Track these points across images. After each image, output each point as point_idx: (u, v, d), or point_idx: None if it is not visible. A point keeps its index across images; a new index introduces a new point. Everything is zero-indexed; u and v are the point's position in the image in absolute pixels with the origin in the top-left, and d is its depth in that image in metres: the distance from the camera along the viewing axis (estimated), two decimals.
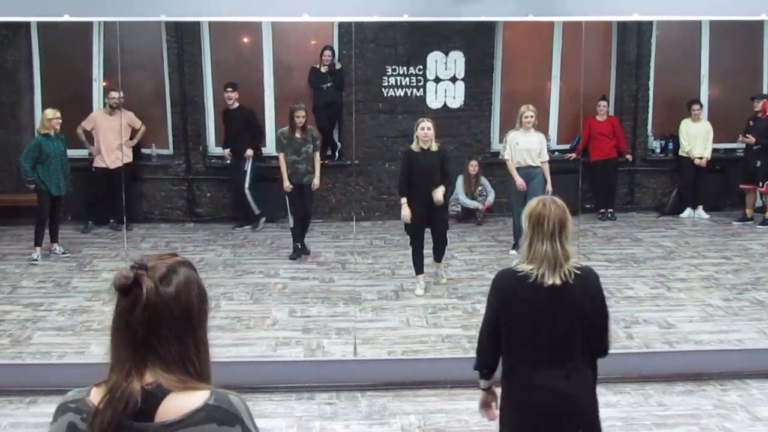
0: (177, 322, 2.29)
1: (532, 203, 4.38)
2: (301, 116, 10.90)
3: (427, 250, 9.93)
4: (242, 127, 12.86)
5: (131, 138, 12.68)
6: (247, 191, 12.89)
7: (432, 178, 9.51)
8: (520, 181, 10.88)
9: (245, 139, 12.90)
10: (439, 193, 9.50)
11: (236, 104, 12.84)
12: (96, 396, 2.30)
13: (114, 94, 12.36)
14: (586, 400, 4.29)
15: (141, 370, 2.26)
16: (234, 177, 13.07)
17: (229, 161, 13.20)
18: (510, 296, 4.27)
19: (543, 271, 4.20)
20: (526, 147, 10.83)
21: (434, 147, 9.54)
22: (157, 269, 2.30)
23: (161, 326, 2.26)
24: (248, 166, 12.90)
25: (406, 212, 9.54)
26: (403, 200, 9.58)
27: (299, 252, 11.21)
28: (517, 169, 10.88)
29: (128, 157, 12.35)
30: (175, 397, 2.24)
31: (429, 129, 9.49)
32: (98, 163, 12.36)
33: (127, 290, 2.28)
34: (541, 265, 4.21)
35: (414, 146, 9.60)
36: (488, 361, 4.43)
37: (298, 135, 10.89)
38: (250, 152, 12.82)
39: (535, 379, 4.21)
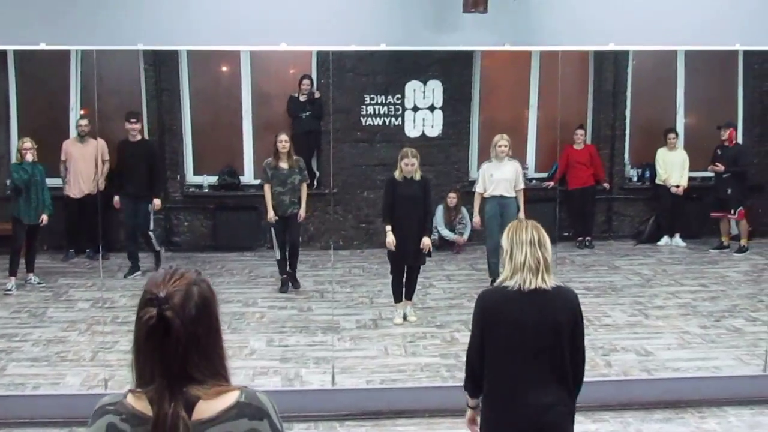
0: (204, 345, 2.44)
1: (510, 225, 4.43)
2: (284, 141, 10.79)
3: None
4: (144, 163, 11.73)
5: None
6: (150, 233, 12.07)
7: (415, 208, 9.51)
8: (476, 219, 10.97)
9: (145, 178, 11.76)
10: (426, 241, 9.52)
11: (138, 137, 11.97)
12: (136, 403, 2.42)
13: (82, 122, 12.27)
14: (567, 423, 4.33)
15: (178, 391, 2.39)
16: (132, 219, 11.92)
17: (119, 201, 11.95)
18: (494, 311, 4.33)
19: (525, 277, 4.26)
20: (501, 177, 10.71)
21: (417, 176, 9.55)
22: (175, 297, 2.41)
23: (192, 353, 2.40)
24: (151, 206, 11.92)
25: (390, 239, 9.49)
26: (388, 228, 9.55)
27: (287, 285, 11.11)
28: (492, 197, 10.82)
29: (94, 189, 11.97)
30: (209, 398, 2.42)
31: (413, 165, 9.51)
32: (68, 191, 12.25)
33: (154, 329, 2.39)
34: (522, 271, 4.26)
35: (397, 174, 9.60)
36: (477, 378, 4.46)
37: (284, 165, 10.81)
38: (158, 203, 11.95)
39: (517, 395, 4.24)
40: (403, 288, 9.76)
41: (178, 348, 2.38)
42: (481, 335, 4.37)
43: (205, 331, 2.45)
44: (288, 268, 11.13)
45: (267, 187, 10.91)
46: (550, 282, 4.29)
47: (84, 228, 12.22)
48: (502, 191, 10.72)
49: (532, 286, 4.24)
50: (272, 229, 10.97)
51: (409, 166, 9.49)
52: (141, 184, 11.73)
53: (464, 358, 4.59)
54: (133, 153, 11.79)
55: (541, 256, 4.28)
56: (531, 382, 4.25)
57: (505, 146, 10.73)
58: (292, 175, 10.85)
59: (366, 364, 8.34)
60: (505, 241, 4.38)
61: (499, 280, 4.41)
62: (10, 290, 10.82)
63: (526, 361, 4.26)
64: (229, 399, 2.43)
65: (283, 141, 10.80)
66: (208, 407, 2.40)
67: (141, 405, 2.40)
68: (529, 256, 4.26)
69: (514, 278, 4.27)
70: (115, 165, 12.16)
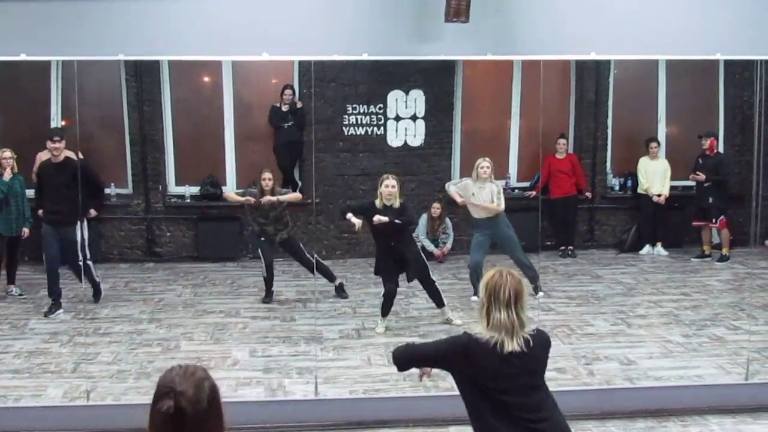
0: (212, 426, 2.89)
1: (489, 274, 4.48)
2: (267, 179, 10.86)
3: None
4: (65, 186, 10.23)
5: None
6: (89, 263, 10.72)
7: (392, 236, 9.55)
8: (453, 191, 10.97)
9: (68, 203, 10.12)
10: (379, 218, 9.55)
11: (62, 156, 10.51)
12: None
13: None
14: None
15: None
16: (53, 249, 10.62)
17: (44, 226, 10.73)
18: (472, 361, 4.34)
19: (502, 339, 4.30)
20: (480, 200, 10.73)
21: (396, 204, 9.56)
22: (188, 390, 2.84)
23: None
24: (82, 233, 10.65)
25: (354, 221, 9.73)
26: (348, 215, 9.80)
27: (271, 296, 11.08)
28: (478, 220, 10.83)
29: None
30: None
31: (393, 187, 9.56)
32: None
33: (171, 418, 2.80)
34: (499, 333, 4.30)
35: (377, 202, 9.62)
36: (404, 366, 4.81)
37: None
38: (93, 212, 11.22)
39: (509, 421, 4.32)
40: (391, 306, 9.81)
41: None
42: (436, 363, 4.72)
43: (214, 419, 2.89)
44: (331, 281, 11.21)
45: (237, 197, 11.20)
46: (524, 335, 4.34)
47: (92, 234, 12.10)
48: (482, 214, 10.73)
49: (508, 349, 4.28)
50: (260, 250, 10.98)
51: (389, 187, 9.57)
52: (62, 209, 10.38)
53: None
54: (54, 174, 10.48)
55: (516, 318, 4.33)
56: (523, 410, 4.34)
57: (488, 167, 10.70)
58: (273, 210, 10.89)
59: (349, 374, 8.32)
60: (482, 293, 4.43)
61: (475, 332, 4.41)
62: None
63: (514, 404, 4.34)
64: None
65: (267, 179, 10.83)
66: None
67: None
68: (506, 320, 4.31)
69: (492, 334, 4.33)
70: (35, 189, 10.92)
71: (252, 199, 10.83)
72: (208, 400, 2.86)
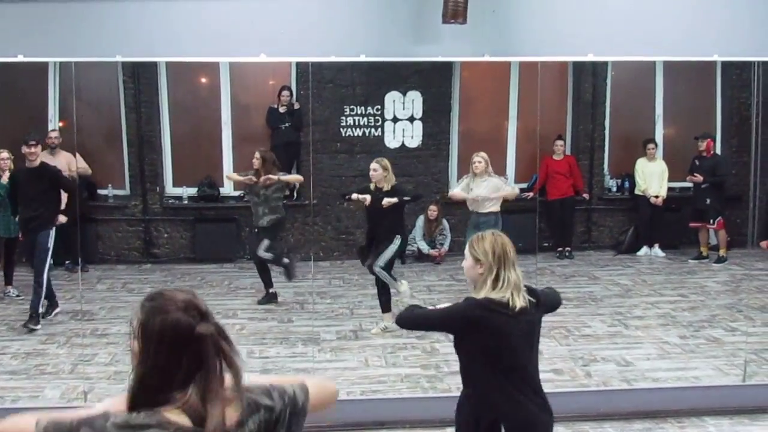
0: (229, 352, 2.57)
1: (488, 238, 4.59)
2: (255, 158, 10.94)
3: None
4: (39, 192, 10.03)
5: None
6: (44, 276, 10.03)
7: (380, 221, 9.62)
8: (457, 192, 10.99)
9: (41, 208, 10.07)
10: (388, 200, 9.64)
11: (37, 162, 10.15)
12: (177, 418, 2.43)
13: (53, 134, 12.13)
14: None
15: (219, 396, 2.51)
16: (29, 255, 10.39)
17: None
18: (484, 327, 4.42)
19: (514, 298, 4.43)
20: (475, 194, 10.69)
21: (387, 187, 9.60)
22: (210, 313, 2.58)
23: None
24: (51, 241, 10.09)
25: (360, 196, 9.84)
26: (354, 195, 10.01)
27: (275, 297, 11.07)
28: (477, 213, 10.81)
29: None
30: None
31: (375, 171, 9.69)
32: None
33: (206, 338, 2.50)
34: (509, 292, 4.43)
35: (371, 186, 9.71)
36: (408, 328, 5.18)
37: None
38: (62, 218, 10.12)
39: (511, 398, 4.48)
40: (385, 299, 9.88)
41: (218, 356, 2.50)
42: (444, 329, 4.89)
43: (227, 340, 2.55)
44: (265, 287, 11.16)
45: (238, 176, 11.27)
46: (524, 293, 4.52)
47: (59, 241, 12.12)
48: (477, 208, 10.72)
49: (520, 306, 4.42)
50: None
51: (372, 171, 9.74)
52: (35, 214, 10.13)
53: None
54: (29, 181, 10.16)
55: (520, 275, 4.54)
56: (525, 393, 4.52)
57: (480, 162, 10.66)
58: (265, 189, 10.88)
59: (346, 375, 8.31)
60: (489, 256, 4.49)
61: (482, 294, 4.45)
62: None
63: (522, 376, 4.52)
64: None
65: (255, 159, 10.91)
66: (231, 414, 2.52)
67: (182, 419, 2.43)
68: (515, 278, 4.48)
69: (503, 295, 4.43)
70: (8, 195, 10.61)
71: (254, 178, 10.84)
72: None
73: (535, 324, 4.55)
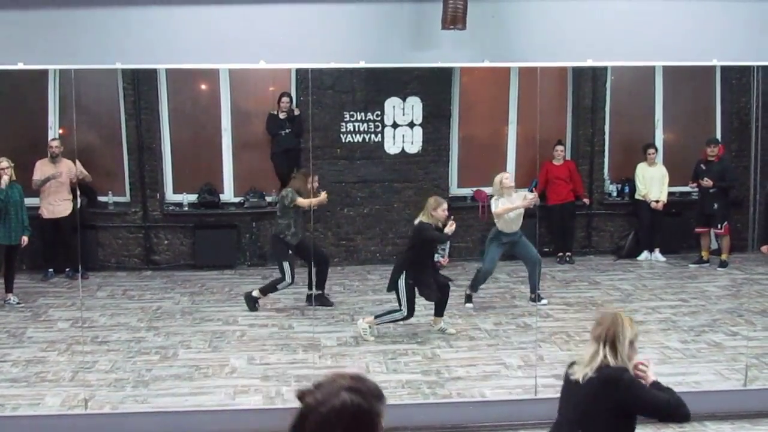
0: None
1: (622, 316, 4.99)
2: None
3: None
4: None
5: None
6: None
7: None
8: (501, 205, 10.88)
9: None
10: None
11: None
12: None
13: (54, 143, 12.15)
14: None
15: None
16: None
17: None
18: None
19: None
20: (516, 215, 10.87)
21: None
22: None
23: None
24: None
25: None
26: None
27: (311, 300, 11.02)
28: (505, 234, 10.88)
29: (69, 209, 11.89)
30: None
31: (444, 210, 9.75)
32: (42, 212, 12.13)
33: None
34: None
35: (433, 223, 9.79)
36: None
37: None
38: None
39: None
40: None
41: None
42: None
43: None
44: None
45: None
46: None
47: (59, 248, 12.16)
48: (512, 227, 10.88)
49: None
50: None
51: (447, 211, 9.78)
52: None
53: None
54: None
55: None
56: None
57: (506, 179, 10.96)
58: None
59: None
60: (629, 332, 4.89)
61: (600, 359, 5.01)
62: None
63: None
64: None
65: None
66: None
67: None
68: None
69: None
70: None
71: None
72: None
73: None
